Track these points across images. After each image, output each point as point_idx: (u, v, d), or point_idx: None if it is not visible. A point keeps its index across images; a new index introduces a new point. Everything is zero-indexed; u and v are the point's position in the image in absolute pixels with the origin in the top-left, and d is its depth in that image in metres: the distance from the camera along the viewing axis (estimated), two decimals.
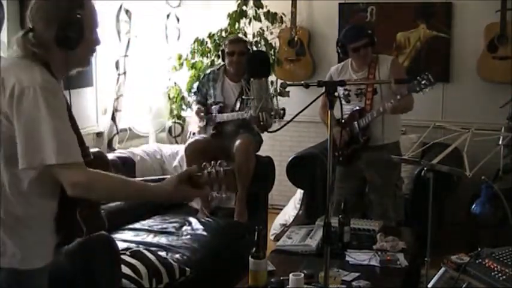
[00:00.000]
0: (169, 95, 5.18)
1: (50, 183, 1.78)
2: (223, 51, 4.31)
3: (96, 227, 1.95)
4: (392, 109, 3.58)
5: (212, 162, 1.86)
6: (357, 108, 3.79)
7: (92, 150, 1.94)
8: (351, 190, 3.89)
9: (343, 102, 3.77)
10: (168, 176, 1.87)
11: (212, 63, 5.00)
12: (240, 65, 4.20)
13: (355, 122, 3.77)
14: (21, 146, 1.69)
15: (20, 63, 1.78)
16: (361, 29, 3.85)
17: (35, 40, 1.78)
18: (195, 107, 4.38)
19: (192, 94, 4.57)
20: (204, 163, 1.87)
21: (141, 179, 1.96)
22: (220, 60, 4.57)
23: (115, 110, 4.45)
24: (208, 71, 4.50)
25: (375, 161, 3.75)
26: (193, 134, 4.39)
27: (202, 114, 4.27)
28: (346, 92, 3.80)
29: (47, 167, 1.71)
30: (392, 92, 3.66)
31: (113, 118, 4.46)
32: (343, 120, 3.75)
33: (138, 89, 4.90)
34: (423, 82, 3.34)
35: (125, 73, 4.48)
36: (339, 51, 3.84)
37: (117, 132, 4.48)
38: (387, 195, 3.80)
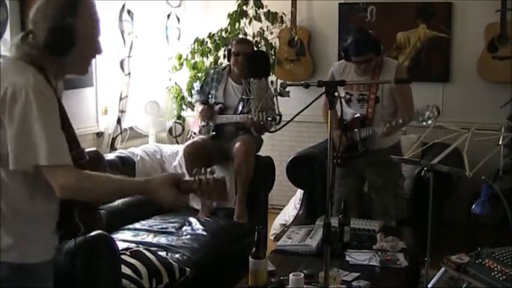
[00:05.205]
0: (169, 95, 5.18)
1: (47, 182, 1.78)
2: (229, 50, 4.28)
3: (94, 226, 1.97)
4: (385, 134, 3.58)
5: (203, 169, 1.85)
6: (359, 115, 3.70)
7: (87, 150, 1.94)
8: (350, 188, 3.86)
9: (344, 104, 3.73)
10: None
11: (216, 62, 4.99)
12: (244, 66, 4.20)
13: (357, 130, 3.69)
14: (13, 147, 1.69)
15: (16, 64, 1.78)
16: (364, 44, 3.58)
17: (33, 42, 1.78)
18: (199, 106, 4.35)
19: (195, 93, 4.52)
20: (196, 169, 1.87)
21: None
22: (224, 60, 4.52)
23: (120, 111, 4.46)
24: (212, 71, 4.47)
25: (375, 162, 3.73)
26: (194, 133, 4.39)
27: (206, 113, 4.25)
28: (348, 96, 3.71)
29: (38, 168, 1.71)
30: (395, 97, 3.62)
31: (118, 119, 4.49)
32: (344, 122, 3.74)
33: (138, 89, 4.90)
34: (427, 114, 3.25)
35: (129, 74, 4.49)
36: (343, 55, 3.72)
37: (121, 132, 4.51)
38: (388, 195, 3.78)
